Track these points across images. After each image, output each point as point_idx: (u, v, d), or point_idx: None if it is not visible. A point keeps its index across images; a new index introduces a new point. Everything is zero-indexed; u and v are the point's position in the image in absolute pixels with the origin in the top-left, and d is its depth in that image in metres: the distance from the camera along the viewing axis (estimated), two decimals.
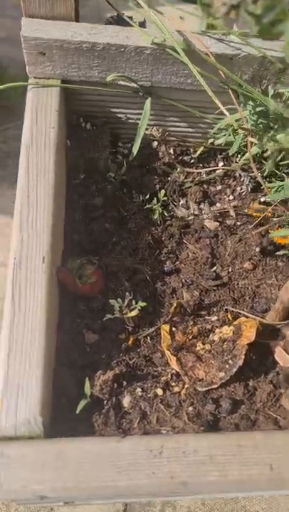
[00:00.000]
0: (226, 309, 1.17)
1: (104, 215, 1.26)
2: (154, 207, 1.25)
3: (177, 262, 1.25)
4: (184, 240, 1.28)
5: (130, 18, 1.21)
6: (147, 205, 1.27)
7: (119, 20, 1.21)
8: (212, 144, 1.40)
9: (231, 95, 1.18)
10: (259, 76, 1.23)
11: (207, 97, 1.29)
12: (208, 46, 1.16)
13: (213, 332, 1.09)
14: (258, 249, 1.26)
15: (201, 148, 1.42)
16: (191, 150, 1.43)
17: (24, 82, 1.20)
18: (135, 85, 1.23)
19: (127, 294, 1.07)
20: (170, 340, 1.05)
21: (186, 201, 1.35)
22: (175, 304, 1.11)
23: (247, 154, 1.31)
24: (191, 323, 1.11)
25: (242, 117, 1.15)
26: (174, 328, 1.08)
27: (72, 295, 1.07)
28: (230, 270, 1.25)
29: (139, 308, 1.02)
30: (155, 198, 1.27)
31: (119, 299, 1.04)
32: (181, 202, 1.35)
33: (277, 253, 1.25)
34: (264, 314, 1.17)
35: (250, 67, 1.20)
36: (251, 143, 1.21)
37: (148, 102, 1.26)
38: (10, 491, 0.79)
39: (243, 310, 1.17)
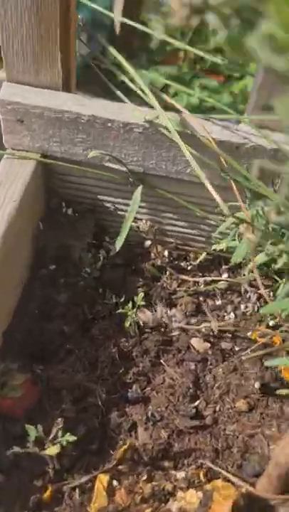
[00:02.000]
0: (202, 464, 0.84)
1: (66, 314, 1.01)
2: (128, 312, 0.99)
3: (148, 389, 0.95)
4: (162, 361, 0.99)
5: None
6: (120, 310, 1.01)
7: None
8: (215, 250, 1.16)
9: (234, 190, 0.97)
10: (270, 172, 1.02)
11: (208, 192, 1.09)
12: (210, 132, 0.99)
13: (174, 497, 0.76)
14: (257, 385, 0.95)
15: (203, 255, 1.18)
16: (191, 256, 1.20)
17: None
18: (125, 169, 1.05)
19: (59, 420, 0.77)
20: (105, 500, 0.72)
21: (174, 313, 1.08)
22: (125, 446, 0.79)
23: (249, 267, 1.06)
24: (145, 477, 0.78)
25: (247, 219, 0.93)
26: (115, 482, 0.75)
27: None
28: (217, 409, 0.93)
29: (66, 443, 0.72)
30: (131, 302, 1.01)
31: (38, 425, 0.74)
32: (169, 313, 1.08)
33: (280, 392, 0.93)
34: (254, 479, 0.82)
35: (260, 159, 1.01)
36: (256, 250, 0.97)
37: (138, 190, 1.07)
38: None
39: (225, 469, 0.83)
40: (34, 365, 0.93)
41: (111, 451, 0.83)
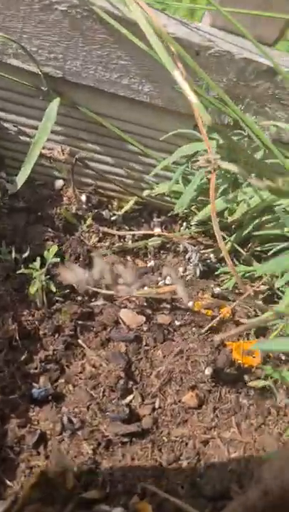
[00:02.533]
0: (143, 490, 0.59)
1: None
2: (34, 274, 0.69)
3: (60, 381, 0.67)
4: (80, 341, 0.71)
5: None
6: (23, 269, 0.71)
7: None
8: (150, 196, 0.90)
9: (196, 112, 0.71)
10: (234, 94, 0.78)
11: (150, 116, 0.82)
12: (165, 24, 0.71)
13: None
14: (208, 372, 0.72)
15: (130, 203, 0.91)
16: (115, 203, 0.93)
17: None
18: (36, 70, 0.73)
19: None
20: None
21: (95, 276, 0.80)
22: (33, 478, 0.51)
23: (202, 213, 0.82)
24: None
25: (207, 143, 0.67)
26: None
27: None
28: (156, 405, 0.68)
29: None
30: (38, 259, 0.71)
31: None
32: (87, 274, 0.80)
33: (253, 383, 0.71)
34: (215, 504, 0.59)
35: (225, 75, 0.75)
36: (215, 194, 0.72)
37: (54, 104, 0.76)
38: None
39: (174, 493, 0.59)
40: None
41: (8, 483, 0.54)
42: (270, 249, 0.81)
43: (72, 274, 0.54)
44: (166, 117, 0.82)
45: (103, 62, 0.74)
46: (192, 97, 0.49)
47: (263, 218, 0.82)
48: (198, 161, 0.79)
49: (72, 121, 0.82)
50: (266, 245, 0.82)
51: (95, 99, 0.79)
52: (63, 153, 0.76)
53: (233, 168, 0.56)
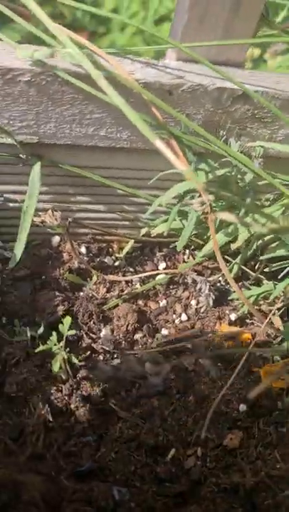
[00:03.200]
0: None
1: None
2: (55, 349, 0.69)
3: (102, 450, 0.66)
4: (112, 404, 0.70)
5: None
6: (41, 347, 0.70)
7: None
8: (147, 235, 0.89)
9: (175, 148, 0.69)
10: (214, 122, 0.76)
11: (135, 159, 0.80)
12: (131, 71, 0.69)
13: None
14: (243, 408, 0.71)
15: (130, 244, 0.90)
16: (115, 247, 0.91)
17: None
18: (11, 141, 0.72)
19: None
20: None
21: (112, 330, 0.79)
22: None
23: (205, 249, 0.81)
24: None
25: (199, 187, 0.65)
26: None
27: None
28: (200, 453, 0.68)
29: None
30: (54, 333, 0.70)
31: None
32: (104, 332, 0.79)
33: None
34: None
35: (202, 106, 0.74)
36: (215, 227, 0.71)
37: (35, 169, 0.74)
38: None
39: None
40: None
41: None
42: (280, 268, 0.80)
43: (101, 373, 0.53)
44: (149, 157, 0.80)
45: (76, 120, 0.72)
46: (179, 166, 0.47)
47: (267, 237, 0.81)
48: (191, 197, 0.79)
49: (56, 179, 0.81)
50: (274, 265, 0.82)
51: (75, 155, 0.78)
52: (55, 219, 0.74)
53: (229, 217, 0.55)
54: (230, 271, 0.88)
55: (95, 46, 0.65)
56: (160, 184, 0.80)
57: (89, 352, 0.76)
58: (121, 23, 2.13)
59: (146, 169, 0.82)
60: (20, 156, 0.75)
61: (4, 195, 0.80)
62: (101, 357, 0.76)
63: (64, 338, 0.70)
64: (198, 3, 0.66)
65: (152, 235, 0.84)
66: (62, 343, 0.69)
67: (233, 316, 0.86)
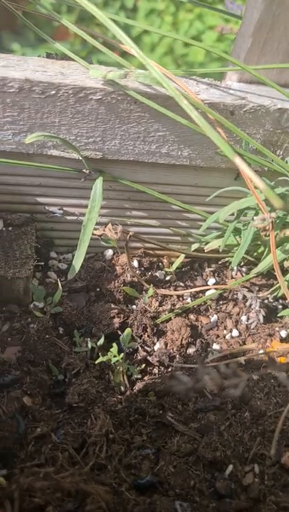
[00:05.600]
0: None
1: (22, 379, 0.68)
2: (114, 361, 0.70)
3: (161, 463, 0.67)
4: (169, 418, 0.71)
5: None
6: (101, 358, 0.71)
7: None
8: (198, 250, 0.90)
9: (242, 166, 0.71)
10: (272, 142, 0.78)
11: (192, 176, 0.82)
12: (197, 92, 0.71)
13: None
14: None
15: (180, 258, 0.91)
16: (165, 261, 0.93)
17: None
18: (77, 157, 0.74)
19: None
20: None
21: (166, 344, 0.80)
22: None
23: (261, 266, 0.82)
24: None
25: (278, 205, 0.66)
26: None
27: None
28: (257, 471, 0.68)
29: None
30: (114, 345, 0.71)
31: None
32: (158, 346, 0.80)
33: None
34: None
35: (261, 126, 0.75)
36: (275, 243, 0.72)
37: (98, 183, 0.76)
38: None
39: None
40: None
41: None
42: None
43: (179, 383, 0.53)
44: (206, 174, 0.82)
45: (141, 137, 0.74)
46: (259, 184, 0.49)
47: None
48: (247, 215, 0.80)
49: (114, 194, 0.83)
50: None
51: (135, 171, 0.80)
52: (115, 232, 0.76)
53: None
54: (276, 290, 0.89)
55: (164, 68, 0.67)
56: (215, 201, 0.82)
57: (144, 365, 0.76)
58: (151, 43, 2.17)
59: (203, 186, 0.83)
60: (84, 170, 0.77)
61: (64, 207, 0.82)
62: (156, 370, 0.77)
63: (124, 349, 0.71)
64: (262, 29, 0.68)
65: (206, 251, 0.85)
66: (122, 355, 0.70)
67: (283, 333, 0.86)
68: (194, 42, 0.86)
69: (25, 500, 0.57)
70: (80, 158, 0.74)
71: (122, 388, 0.71)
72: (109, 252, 0.89)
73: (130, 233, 0.76)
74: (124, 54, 0.75)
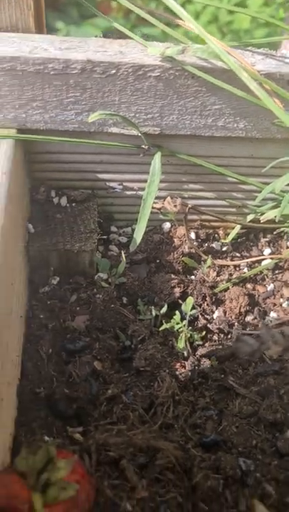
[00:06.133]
0: None
1: (92, 345, 0.73)
2: (177, 328, 0.74)
3: (224, 424, 0.70)
4: (230, 381, 0.74)
5: None
6: (164, 325, 0.75)
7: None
8: (253, 221, 0.91)
9: None
10: None
11: (248, 148, 0.83)
12: (253, 63, 0.72)
13: None
14: None
15: (236, 230, 0.93)
16: (220, 233, 0.95)
17: None
18: (136, 133, 0.77)
19: None
20: None
21: (225, 312, 0.83)
22: None
23: None
24: None
25: None
26: None
27: None
28: None
29: None
30: (177, 312, 0.75)
31: None
32: (217, 314, 0.83)
33: None
34: None
35: None
36: None
37: (157, 158, 0.79)
38: None
39: None
40: (69, 427, 0.66)
41: None
42: None
43: (245, 345, 0.56)
44: (262, 146, 0.83)
45: (198, 111, 0.76)
46: None
47: None
48: None
49: (171, 168, 0.85)
50: None
51: (192, 144, 0.81)
52: (175, 206, 0.79)
53: None
54: None
55: (219, 41, 0.68)
56: (270, 172, 0.82)
57: (205, 332, 0.80)
58: (195, 12, 2.13)
59: (259, 157, 0.84)
60: (142, 146, 0.79)
61: (124, 183, 0.86)
62: (216, 337, 0.80)
63: (187, 317, 0.74)
64: None
65: (262, 221, 0.87)
66: (184, 322, 0.74)
67: None
68: (239, 9, 0.87)
69: (101, 454, 0.63)
70: (139, 134, 0.76)
71: (185, 354, 0.75)
72: (167, 225, 0.92)
73: (189, 205, 0.78)
74: (169, 24, 0.77)
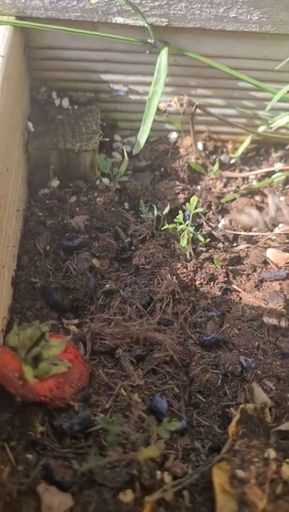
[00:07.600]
0: None
1: (90, 243, 0.71)
2: (180, 228, 0.71)
3: (225, 325, 0.68)
4: (235, 286, 0.72)
5: None
6: (167, 226, 0.72)
7: None
8: (266, 132, 0.87)
9: None
10: None
11: (262, 47, 0.78)
12: None
13: None
14: None
15: (246, 142, 0.89)
16: (229, 146, 0.91)
17: None
18: (142, 24, 0.72)
19: (141, 413, 0.50)
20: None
21: (230, 221, 0.80)
22: (237, 416, 0.53)
23: None
24: (273, 455, 0.53)
25: None
26: (239, 471, 0.50)
27: (17, 401, 0.50)
28: None
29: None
30: (180, 212, 0.72)
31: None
32: (222, 223, 0.80)
33: None
34: None
35: None
36: None
37: (163, 54, 0.74)
38: None
39: None
40: (65, 319, 0.65)
41: (217, 430, 0.57)
42: None
43: (247, 217, 0.54)
44: (276, 44, 0.78)
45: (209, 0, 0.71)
46: None
47: None
48: None
49: (179, 70, 0.81)
50: None
51: (201, 41, 0.77)
52: (181, 105, 0.75)
53: None
54: None
55: None
56: (285, 77, 0.78)
57: (209, 239, 0.77)
58: None
59: (272, 59, 0.79)
60: (148, 41, 0.75)
61: (129, 85, 0.82)
62: (220, 245, 0.77)
63: (190, 216, 0.71)
64: None
65: (273, 129, 0.82)
66: (188, 222, 0.71)
67: None
68: None
69: (96, 343, 0.61)
70: (145, 25, 0.72)
71: (188, 255, 0.73)
72: (174, 135, 0.88)
73: (196, 103, 0.74)
74: None
